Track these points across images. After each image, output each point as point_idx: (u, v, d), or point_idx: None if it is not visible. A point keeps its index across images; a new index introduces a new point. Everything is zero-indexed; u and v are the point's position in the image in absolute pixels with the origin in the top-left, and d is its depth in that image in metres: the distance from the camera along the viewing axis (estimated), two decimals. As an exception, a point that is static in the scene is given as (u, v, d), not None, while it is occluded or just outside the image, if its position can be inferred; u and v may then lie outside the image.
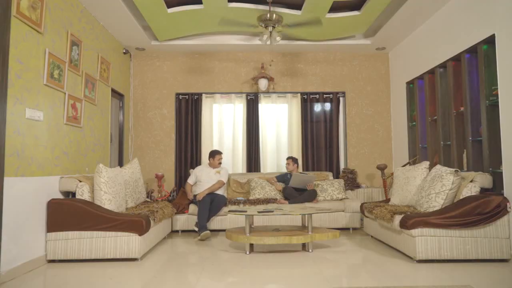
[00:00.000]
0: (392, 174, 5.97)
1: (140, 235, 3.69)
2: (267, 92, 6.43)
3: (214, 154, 5.50)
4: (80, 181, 3.94)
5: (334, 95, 6.54)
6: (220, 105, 6.56)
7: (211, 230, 5.19)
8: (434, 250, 3.47)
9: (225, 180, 5.43)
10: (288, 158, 5.79)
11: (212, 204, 5.07)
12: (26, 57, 3.43)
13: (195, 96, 6.49)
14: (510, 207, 3.47)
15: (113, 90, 5.64)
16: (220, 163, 5.52)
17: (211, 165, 5.50)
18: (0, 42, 3.06)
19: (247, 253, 3.97)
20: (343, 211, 5.30)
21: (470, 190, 3.67)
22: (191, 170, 5.84)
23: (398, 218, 3.75)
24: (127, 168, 4.71)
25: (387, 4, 4.83)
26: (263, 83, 6.16)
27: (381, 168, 5.96)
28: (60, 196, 3.92)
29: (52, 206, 3.67)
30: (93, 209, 3.70)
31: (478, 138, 4.18)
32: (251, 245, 4.13)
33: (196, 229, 4.97)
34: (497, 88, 3.84)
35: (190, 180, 5.54)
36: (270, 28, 4.93)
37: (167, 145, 6.47)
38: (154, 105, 6.51)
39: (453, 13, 4.60)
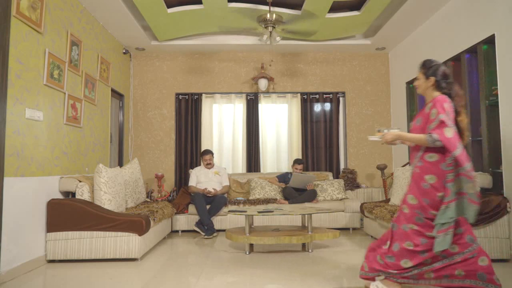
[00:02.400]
0: (392, 174, 5.97)
1: (140, 235, 3.70)
2: (267, 92, 6.43)
3: (202, 154, 5.55)
4: (80, 181, 3.94)
5: (334, 95, 6.54)
6: (220, 105, 6.56)
7: (211, 230, 5.20)
8: (434, 250, 3.46)
9: (228, 183, 5.54)
10: (301, 163, 5.60)
11: (212, 204, 5.09)
12: (26, 57, 3.43)
13: (195, 96, 6.49)
14: (510, 207, 3.48)
15: (113, 90, 5.63)
16: (208, 164, 5.48)
17: (205, 165, 5.51)
18: (0, 42, 3.06)
19: (247, 253, 3.97)
20: (343, 211, 5.30)
21: (470, 190, 3.66)
22: (191, 170, 5.79)
23: (398, 218, 3.74)
24: (127, 168, 4.71)
25: (387, 4, 4.83)
26: (263, 83, 6.16)
27: (381, 168, 5.96)
28: (60, 196, 3.92)
29: (52, 206, 3.67)
30: (93, 209, 3.70)
31: (478, 138, 4.18)
32: (251, 245, 4.13)
33: (197, 229, 4.97)
34: (497, 88, 3.84)
35: (193, 182, 5.47)
36: (270, 28, 4.93)
37: (167, 145, 6.47)
38: (154, 105, 6.50)
39: (453, 13, 4.60)
